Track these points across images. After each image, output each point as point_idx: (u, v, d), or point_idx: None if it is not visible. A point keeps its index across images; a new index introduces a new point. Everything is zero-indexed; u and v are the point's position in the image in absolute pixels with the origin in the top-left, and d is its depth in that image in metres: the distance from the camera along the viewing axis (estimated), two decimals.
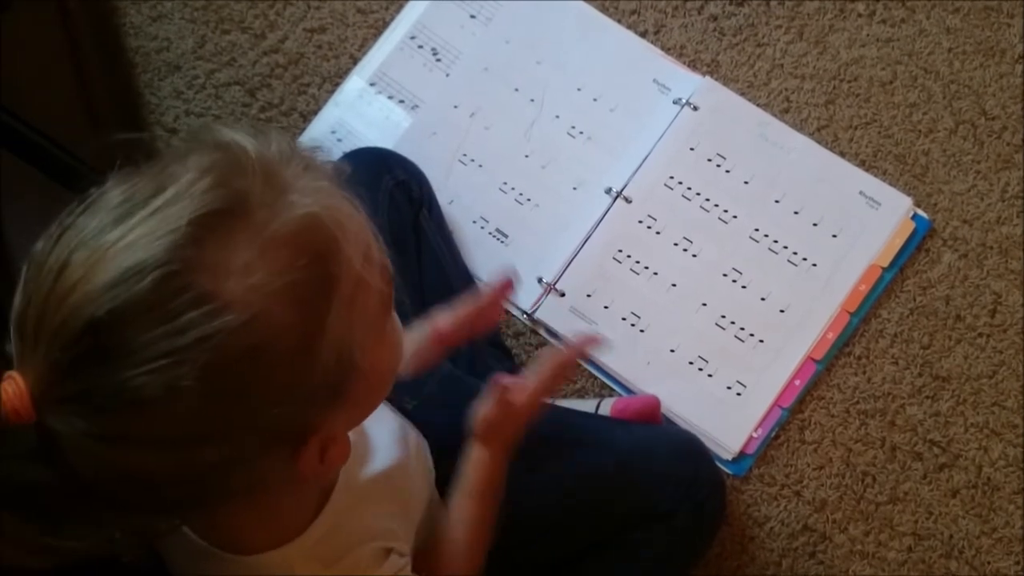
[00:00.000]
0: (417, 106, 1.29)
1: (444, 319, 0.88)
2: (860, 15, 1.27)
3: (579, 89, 1.27)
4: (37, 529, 0.54)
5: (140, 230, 0.51)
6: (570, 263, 1.20)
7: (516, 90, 1.28)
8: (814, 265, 1.18)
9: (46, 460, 0.52)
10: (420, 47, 1.31)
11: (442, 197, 1.21)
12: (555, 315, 1.18)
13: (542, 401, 0.85)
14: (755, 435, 1.13)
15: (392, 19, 1.32)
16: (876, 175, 1.21)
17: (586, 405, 1.13)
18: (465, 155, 1.26)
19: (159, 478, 0.54)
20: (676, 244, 1.20)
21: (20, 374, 0.52)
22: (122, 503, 0.55)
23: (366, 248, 0.59)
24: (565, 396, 1.17)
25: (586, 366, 1.18)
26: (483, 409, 0.83)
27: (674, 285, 1.19)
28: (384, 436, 0.80)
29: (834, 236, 1.19)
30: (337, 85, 1.30)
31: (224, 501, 0.61)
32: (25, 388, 0.51)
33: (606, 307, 1.19)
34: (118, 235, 0.52)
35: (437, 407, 0.87)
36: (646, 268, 1.19)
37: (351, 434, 0.75)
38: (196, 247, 0.51)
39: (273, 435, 0.56)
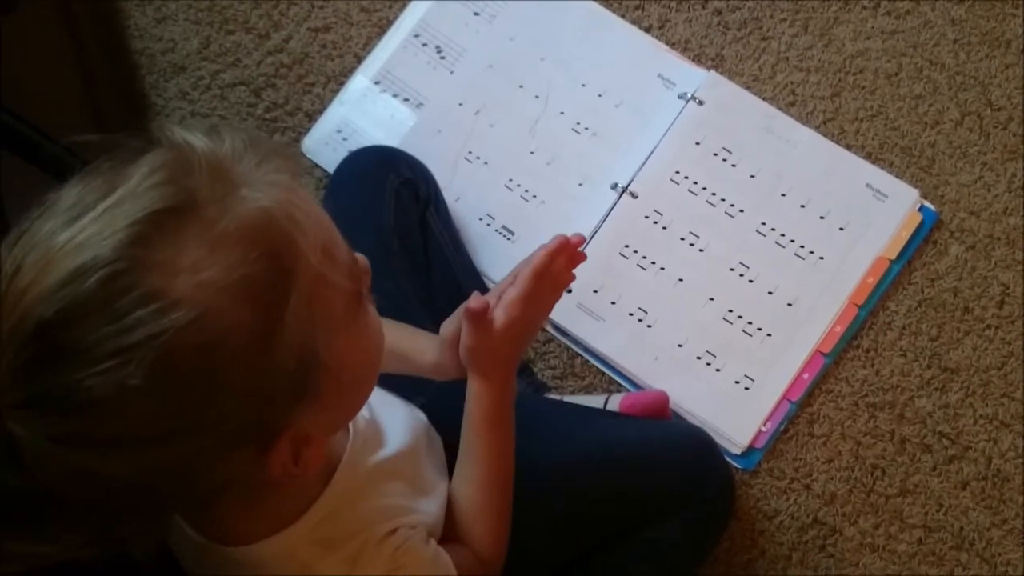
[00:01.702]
0: (422, 104, 1.29)
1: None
2: (865, 7, 1.27)
3: (584, 85, 1.27)
4: (6, 535, 0.54)
5: (89, 231, 0.51)
6: None
7: (521, 87, 1.28)
8: (821, 258, 1.18)
9: (8, 464, 0.51)
10: (424, 45, 1.31)
11: (448, 195, 1.21)
12: (562, 311, 1.18)
13: (528, 312, 0.78)
14: (764, 429, 1.13)
15: (396, 17, 1.32)
16: (883, 167, 1.21)
17: (594, 401, 1.13)
18: (470, 153, 1.26)
19: (120, 480, 0.53)
20: (683, 239, 1.20)
21: None
22: (89, 506, 0.54)
23: (326, 244, 0.57)
24: (573, 392, 1.17)
25: (593, 362, 1.18)
26: (463, 339, 0.78)
27: (681, 280, 1.19)
28: (395, 424, 0.80)
29: (841, 229, 1.19)
30: (342, 84, 1.30)
31: (199, 500, 0.60)
32: None
33: (613, 303, 1.18)
34: (68, 236, 0.51)
35: (445, 402, 0.86)
36: (653, 263, 1.19)
37: (361, 421, 0.75)
38: (143, 245, 0.51)
39: (233, 435, 0.55)
